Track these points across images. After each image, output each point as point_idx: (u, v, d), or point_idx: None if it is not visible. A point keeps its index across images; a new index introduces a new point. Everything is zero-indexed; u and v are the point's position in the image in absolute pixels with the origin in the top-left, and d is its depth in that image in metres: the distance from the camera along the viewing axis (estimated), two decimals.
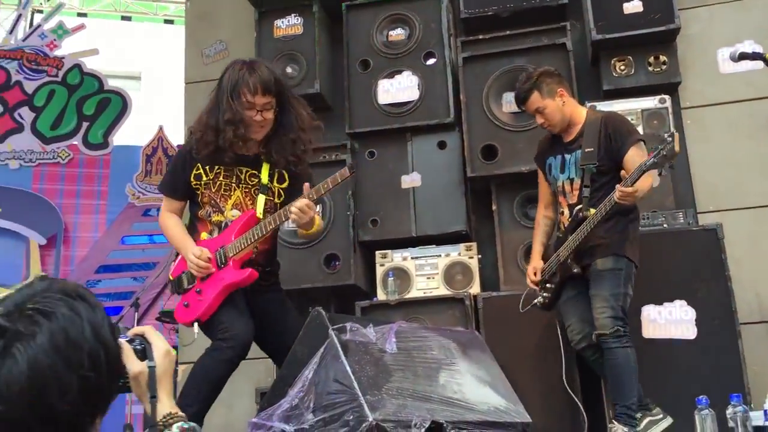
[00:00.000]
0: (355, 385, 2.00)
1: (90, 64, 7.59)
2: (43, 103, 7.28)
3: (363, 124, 4.11)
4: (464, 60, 4.03)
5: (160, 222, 2.90)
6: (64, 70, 7.40)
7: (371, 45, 4.18)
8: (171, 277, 2.82)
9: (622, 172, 2.82)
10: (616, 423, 2.82)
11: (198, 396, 2.45)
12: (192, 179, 2.75)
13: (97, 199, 7.19)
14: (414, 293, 3.86)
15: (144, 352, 1.22)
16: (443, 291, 3.82)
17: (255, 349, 3.71)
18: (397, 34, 4.19)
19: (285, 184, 2.80)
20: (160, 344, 1.22)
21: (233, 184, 2.76)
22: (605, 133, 3.07)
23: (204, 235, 2.78)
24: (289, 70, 4.28)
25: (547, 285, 3.12)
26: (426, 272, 3.90)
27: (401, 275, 3.90)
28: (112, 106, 7.43)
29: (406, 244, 3.97)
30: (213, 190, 2.75)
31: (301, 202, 2.55)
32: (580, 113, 3.17)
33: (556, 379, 3.05)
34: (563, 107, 3.11)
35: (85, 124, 7.32)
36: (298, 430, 2.00)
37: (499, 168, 3.86)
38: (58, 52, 7.50)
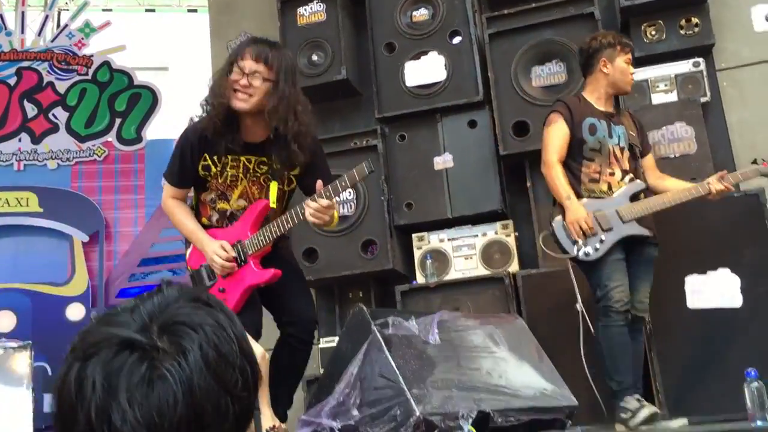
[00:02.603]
0: (401, 379, 2.02)
1: (118, 59, 7.67)
2: (75, 102, 7.37)
3: (392, 107, 4.10)
4: (490, 36, 3.97)
5: (165, 208, 2.79)
6: (93, 68, 7.48)
7: (395, 27, 4.15)
8: (189, 268, 2.76)
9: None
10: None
11: None
12: (200, 170, 2.67)
13: (135, 193, 7.29)
14: (452, 275, 3.86)
15: None
16: (482, 271, 3.82)
17: None
18: (421, 14, 4.15)
19: (296, 171, 2.73)
20: (254, 346, 1.06)
21: (240, 174, 2.68)
22: (639, 126, 3.33)
23: (204, 220, 2.72)
24: (314, 57, 4.27)
25: (602, 239, 3.02)
26: (463, 253, 3.90)
27: (439, 257, 3.91)
28: (143, 100, 7.51)
29: (442, 225, 3.97)
30: (220, 180, 2.68)
31: (317, 205, 2.46)
32: None
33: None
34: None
35: (117, 121, 7.41)
36: (346, 426, 2.03)
37: (532, 144, 3.81)
38: (86, 51, 7.57)
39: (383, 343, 2.09)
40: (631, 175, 3.16)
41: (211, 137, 2.60)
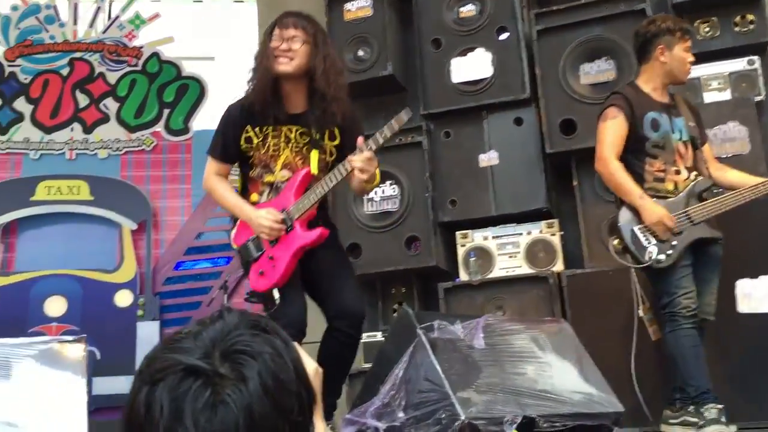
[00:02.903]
0: (446, 383, 2.03)
1: (166, 50, 7.81)
2: (125, 93, 7.54)
3: (437, 104, 4.09)
4: (538, 33, 3.93)
5: (207, 185, 2.83)
6: (143, 59, 7.63)
7: (442, 23, 4.14)
8: (235, 246, 2.78)
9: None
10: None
11: None
12: (242, 142, 2.71)
13: (182, 183, 7.43)
14: (496, 273, 3.86)
15: None
16: (526, 270, 3.81)
17: None
18: (468, 10, 4.13)
19: (336, 142, 2.75)
20: (308, 362, 1.08)
21: (282, 144, 2.71)
22: (696, 113, 3.15)
23: (255, 197, 2.75)
24: (360, 53, 4.28)
25: (673, 243, 2.87)
26: (508, 251, 3.89)
27: (483, 255, 3.90)
28: (191, 91, 7.64)
29: (486, 223, 3.96)
30: (262, 152, 2.71)
31: (363, 155, 2.49)
32: None
33: (646, 362, 3.00)
34: None
35: (166, 111, 7.55)
36: (390, 427, 2.06)
37: (579, 142, 3.78)
38: (136, 42, 7.73)
39: (428, 347, 2.10)
40: (696, 171, 3.00)
41: (252, 109, 2.67)
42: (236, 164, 2.86)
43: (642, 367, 2.99)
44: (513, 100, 3.96)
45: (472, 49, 4.05)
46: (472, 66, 4.04)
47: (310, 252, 2.70)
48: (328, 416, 2.48)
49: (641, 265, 2.87)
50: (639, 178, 2.94)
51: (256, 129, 2.70)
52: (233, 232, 2.82)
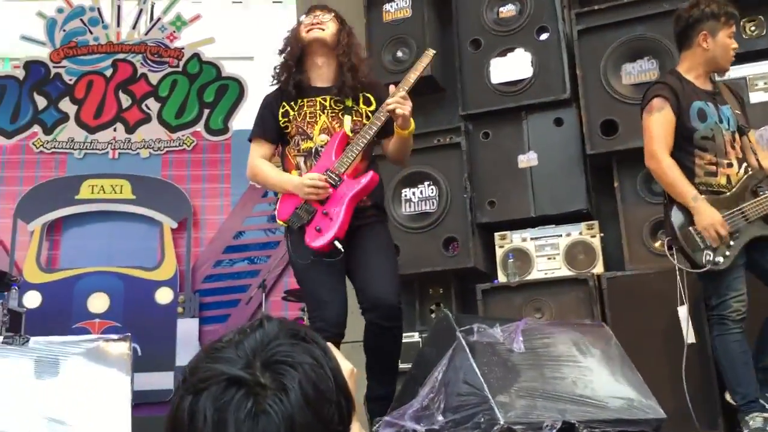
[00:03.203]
0: (485, 387, 2.03)
1: (207, 50, 7.91)
2: (167, 93, 7.67)
3: (476, 105, 4.07)
4: (579, 33, 3.89)
5: (250, 167, 2.90)
6: (184, 60, 7.76)
7: (481, 23, 4.11)
8: (281, 221, 2.79)
9: None
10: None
11: None
12: (280, 117, 2.83)
13: (221, 182, 7.53)
14: (535, 274, 3.83)
15: None
16: (565, 272, 3.77)
17: None
18: (508, 10, 4.10)
19: (372, 107, 2.85)
20: (343, 364, 1.08)
21: (318, 111, 2.81)
22: (740, 99, 3.02)
23: (294, 173, 2.79)
24: (399, 54, 4.29)
25: (731, 243, 2.74)
26: (547, 252, 3.85)
27: (521, 256, 3.87)
28: (230, 92, 7.74)
29: (524, 224, 3.93)
30: (299, 120, 2.81)
31: (397, 95, 2.64)
32: None
33: (687, 366, 2.95)
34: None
35: (206, 111, 7.67)
36: (430, 430, 2.06)
37: (621, 143, 3.73)
38: (177, 43, 7.85)
39: (468, 350, 2.10)
40: (746, 163, 2.86)
41: (286, 87, 2.82)
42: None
43: (693, 372, 2.94)
44: (553, 100, 3.92)
45: (511, 50, 4.02)
46: (512, 66, 4.01)
47: (355, 238, 2.73)
48: (382, 411, 2.46)
49: (700, 270, 2.74)
50: (689, 173, 2.81)
51: (291, 103, 2.84)
52: (276, 208, 2.85)
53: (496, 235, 3.95)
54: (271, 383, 0.83)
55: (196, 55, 7.75)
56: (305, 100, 2.82)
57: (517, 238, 3.91)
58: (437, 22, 4.38)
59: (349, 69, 2.80)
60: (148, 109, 7.66)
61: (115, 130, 7.57)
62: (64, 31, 7.84)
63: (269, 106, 2.88)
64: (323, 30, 2.81)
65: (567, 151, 3.92)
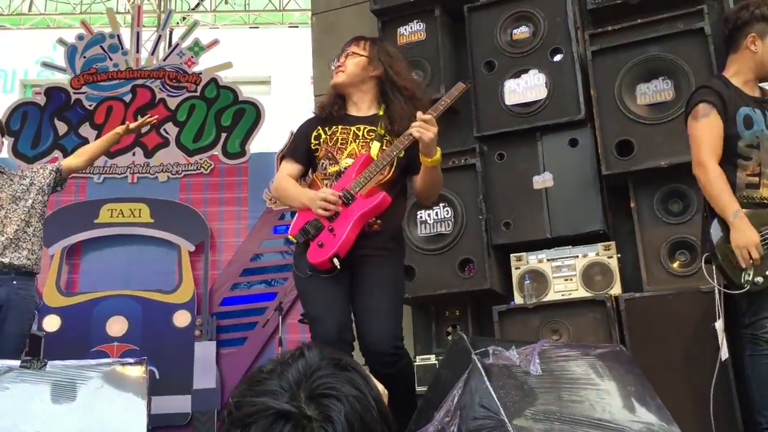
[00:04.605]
0: (501, 410, 2.00)
1: (224, 73, 8.01)
2: (185, 118, 7.77)
3: (491, 126, 4.08)
4: (593, 53, 3.89)
5: (275, 180, 2.96)
6: (202, 85, 7.86)
7: (495, 45, 4.13)
8: (290, 236, 2.79)
9: None
10: None
11: None
12: (312, 140, 2.87)
13: (239, 205, 7.58)
14: (552, 296, 3.80)
15: None
16: (582, 293, 3.74)
17: None
18: (522, 32, 4.12)
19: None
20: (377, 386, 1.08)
21: (350, 138, 2.82)
22: None
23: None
24: (413, 76, 4.30)
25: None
26: (563, 274, 3.83)
27: (538, 278, 3.85)
28: (247, 115, 7.82)
29: (540, 245, 3.91)
30: (330, 144, 2.83)
31: (422, 118, 2.60)
32: None
33: (709, 390, 2.90)
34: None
35: (223, 135, 7.75)
36: None
37: (636, 164, 3.71)
38: (195, 68, 7.96)
39: (484, 373, 2.08)
40: None
41: (322, 114, 2.90)
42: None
43: (706, 393, 2.90)
44: (568, 121, 3.91)
45: (525, 71, 4.03)
46: (526, 88, 4.02)
47: (361, 267, 2.69)
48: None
49: (740, 291, 2.64)
50: (731, 184, 2.70)
51: (326, 128, 2.88)
52: (291, 224, 2.85)
53: (512, 256, 3.93)
54: (317, 415, 0.85)
55: (214, 80, 7.85)
56: (339, 126, 2.85)
57: (533, 260, 3.89)
58: (451, 44, 4.40)
59: (393, 101, 2.83)
60: (167, 133, 7.76)
61: (134, 154, 7.67)
62: (84, 57, 7.98)
63: (305, 127, 2.95)
64: (342, 72, 2.87)
65: (582, 171, 3.90)
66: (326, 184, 2.78)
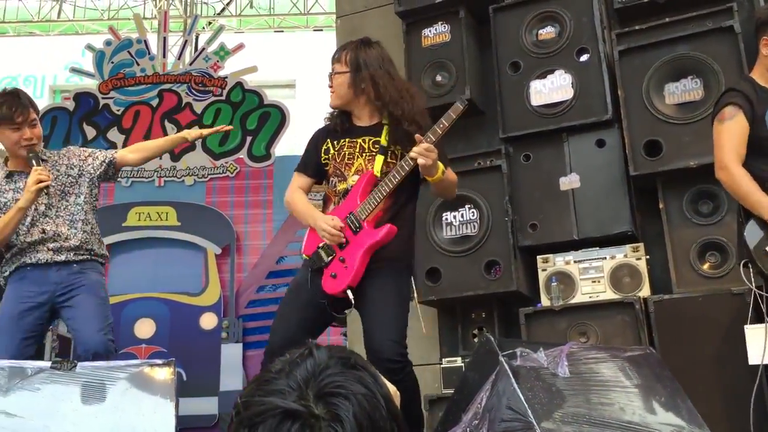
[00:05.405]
0: (529, 412, 1.99)
1: (249, 77, 8.06)
2: (211, 122, 7.82)
3: (516, 127, 4.05)
4: (620, 53, 3.85)
5: (287, 194, 3.01)
6: (227, 89, 7.92)
7: (521, 46, 4.11)
8: (305, 255, 2.86)
9: None
10: None
11: None
12: (322, 154, 2.92)
13: (264, 208, 7.62)
14: (579, 298, 3.76)
15: None
16: (610, 295, 3.70)
17: (420, 356, 3.79)
18: (547, 32, 4.09)
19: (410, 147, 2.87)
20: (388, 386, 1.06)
21: (356, 153, 2.87)
22: None
23: (331, 207, 2.89)
24: (438, 78, 4.30)
25: None
26: (591, 276, 3.79)
27: (565, 280, 3.82)
28: (272, 119, 7.86)
29: (567, 247, 3.87)
30: (338, 161, 2.88)
31: (421, 146, 2.66)
32: None
33: (740, 393, 2.86)
34: None
35: (248, 138, 7.79)
36: None
37: (665, 164, 3.66)
38: (221, 73, 8.02)
39: (511, 375, 2.07)
40: None
41: (329, 127, 2.95)
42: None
43: (737, 396, 2.85)
44: (595, 121, 3.87)
45: (551, 72, 4.00)
46: (552, 88, 3.99)
47: (362, 280, 2.74)
48: None
49: None
50: (761, 184, 2.68)
51: (334, 142, 2.91)
52: (303, 241, 2.92)
53: (539, 258, 3.90)
54: (325, 414, 0.84)
55: (239, 84, 7.90)
56: (347, 140, 2.89)
57: (560, 261, 3.86)
58: (476, 45, 4.39)
59: (390, 114, 2.83)
60: None
61: (160, 158, 7.73)
62: (112, 63, 8.08)
63: (315, 140, 3.00)
64: (333, 93, 2.91)
65: (610, 172, 3.86)
66: (336, 200, 2.87)
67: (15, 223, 3.20)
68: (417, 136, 2.68)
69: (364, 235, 2.73)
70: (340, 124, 2.91)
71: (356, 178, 2.82)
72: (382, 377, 0.93)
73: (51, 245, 3.28)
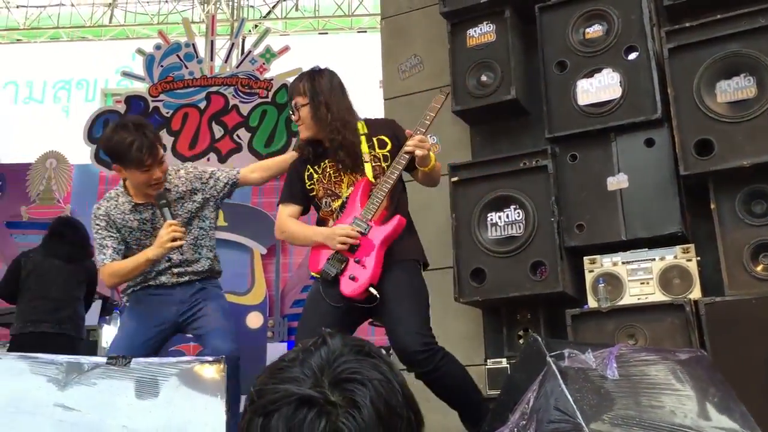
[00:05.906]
0: (578, 414, 1.97)
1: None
2: (257, 123, 7.93)
3: (563, 127, 4.01)
4: (670, 51, 3.78)
5: (277, 225, 3.05)
6: (273, 91, 8.01)
7: (567, 45, 4.07)
8: (314, 273, 2.89)
9: None
10: None
11: None
12: (306, 180, 3.00)
13: None
14: (627, 300, 3.71)
15: None
16: (660, 297, 3.64)
17: (465, 357, 3.78)
18: (595, 30, 4.04)
19: (388, 147, 2.98)
20: None
21: (341, 171, 2.95)
22: None
23: (330, 224, 2.91)
24: (483, 78, 4.29)
25: None
26: (639, 277, 3.73)
27: (612, 281, 3.77)
28: None
29: (615, 248, 3.82)
30: (326, 182, 2.94)
31: (415, 138, 2.80)
32: None
33: None
34: None
35: (294, 140, 7.86)
36: None
37: (717, 164, 3.59)
38: (267, 75, 8.13)
39: (559, 375, 2.05)
40: None
41: (305, 156, 3.04)
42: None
43: None
44: (643, 121, 3.81)
45: (598, 70, 3.95)
46: (599, 87, 3.94)
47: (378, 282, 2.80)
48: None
49: None
50: None
51: (315, 167, 2.99)
52: (308, 260, 2.98)
53: (586, 259, 3.85)
54: (341, 401, 0.83)
55: (284, 86, 7.99)
56: (326, 162, 2.97)
57: (607, 262, 3.81)
58: (521, 45, 4.36)
59: (339, 145, 2.92)
60: (239, 138, 7.94)
61: (208, 159, 7.88)
62: (161, 66, 8.25)
63: (296, 170, 3.06)
64: (302, 125, 3.00)
65: (659, 172, 3.80)
66: (334, 216, 2.91)
67: (141, 271, 3.25)
68: (407, 131, 2.87)
69: (374, 233, 2.79)
70: (313, 152, 2.99)
71: (351, 189, 2.90)
72: (396, 366, 0.91)
73: (176, 270, 3.39)
